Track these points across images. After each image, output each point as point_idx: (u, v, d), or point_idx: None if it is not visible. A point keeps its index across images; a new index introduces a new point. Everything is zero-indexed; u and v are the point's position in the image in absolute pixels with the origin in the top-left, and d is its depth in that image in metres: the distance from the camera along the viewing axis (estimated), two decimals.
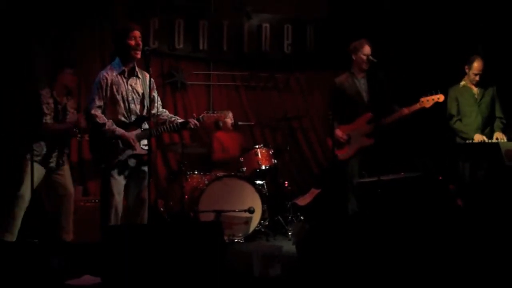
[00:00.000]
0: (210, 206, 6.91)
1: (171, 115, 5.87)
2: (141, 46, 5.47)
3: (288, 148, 8.27)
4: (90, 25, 8.04)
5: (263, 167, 7.48)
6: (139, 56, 5.49)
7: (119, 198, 5.51)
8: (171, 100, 8.57)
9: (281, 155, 8.19)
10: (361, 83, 6.69)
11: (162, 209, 7.63)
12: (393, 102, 6.62)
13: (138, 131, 5.52)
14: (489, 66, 6.88)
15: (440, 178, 6.45)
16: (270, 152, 7.65)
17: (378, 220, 5.41)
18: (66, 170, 6.54)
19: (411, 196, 6.09)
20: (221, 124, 8.17)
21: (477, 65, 6.84)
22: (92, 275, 5.02)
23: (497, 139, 6.55)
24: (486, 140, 6.58)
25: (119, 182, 5.49)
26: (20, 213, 6.17)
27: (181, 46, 8.50)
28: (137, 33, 5.47)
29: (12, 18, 7.36)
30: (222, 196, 7.04)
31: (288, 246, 6.60)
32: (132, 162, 5.53)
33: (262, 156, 7.53)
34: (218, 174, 7.24)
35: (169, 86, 8.56)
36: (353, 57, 6.71)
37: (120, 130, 5.39)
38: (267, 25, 8.87)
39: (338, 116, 6.72)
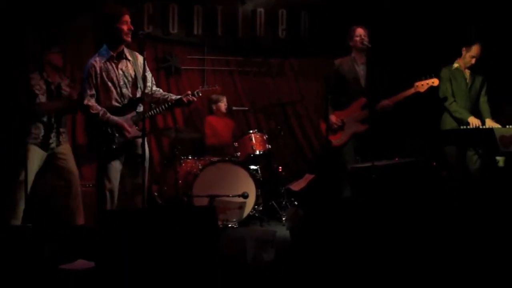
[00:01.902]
0: (204, 191, 6.91)
1: (164, 93, 5.84)
2: (132, 30, 5.48)
3: (282, 134, 8.28)
4: (84, 12, 7.99)
5: (257, 152, 7.48)
6: (130, 39, 5.49)
7: (115, 183, 5.54)
8: (165, 84, 8.55)
9: (275, 140, 8.19)
10: (361, 69, 6.72)
11: (156, 194, 7.63)
12: (387, 93, 6.64)
13: (133, 113, 5.52)
14: (483, 51, 6.89)
15: (434, 164, 6.46)
16: (264, 137, 7.65)
17: (372, 205, 5.42)
18: (67, 152, 6.53)
19: (404, 182, 6.09)
20: (214, 108, 8.18)
21: (476, 48, 6.83)
22: (86, 259, 5.02)
23: (489, 126, 6.55)
24: (480, 125, 6.58)
25: (115, 167, 5.51)
26: (23, 198, 6.18)
27: (175, 31, 8.47)
28: (128, 18, 5.47)
29: (6, 5, 7.34)
30: (216, 181, 7.04)
31: (282, 231, 6.64)
32: (128, 147, 5.54)
33: (256, 141, 7.53)
34: (212, 159, 7.24)
35: (163, 70, 8.54)
36: (350, 44, 6.75)
37: (113, 119, 5.40)
38: (262, 10, 8.83)
39: (334, 100, 6.76)
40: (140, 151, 5.42)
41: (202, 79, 8.82)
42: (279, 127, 8.36)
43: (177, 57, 8.59)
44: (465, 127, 6.60)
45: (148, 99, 5.79)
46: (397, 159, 6.35)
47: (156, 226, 4.36)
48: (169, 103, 5.67)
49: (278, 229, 6.78)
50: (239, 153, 7.49)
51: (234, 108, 8.37)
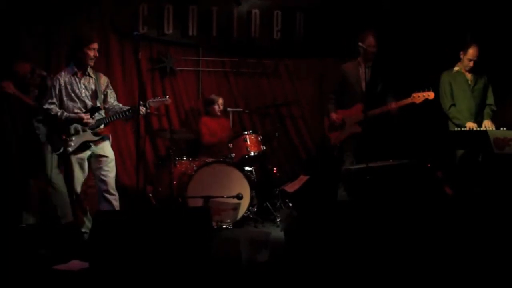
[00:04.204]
0: (199, 192, 6.91)
1: (122, 106, 6.31)
2: (96, 57, 6.09)
3: (277, 135, 8.27)
4: (78, 16, 7.98)
5: (252, 154, 7.47)
6: (92, 64, 6.11)
7: (77, 184, 6.06)
8: (159, 85, 8.55)
9: (270, 141, 8.19)
10: (364, 72, 6.85)
11: (150, 194, 7.62)
12: (389, 94, 6.80)
13: (91, 120, 6.05)
14: (479, 54, 6.90)
15: (429, 165, 6.48)
16: (259, 139, 7.65)
17: (366, 207, 5.43)
18: None
19: (399, 183, 6.11)
20: (209, 109, 8.19)
21: (472, 51, 6.86)
22: (81, 260, 5.03)
23: (485, 127, 6.58)
24: (476, 127, 6.60)
25: (78, 167, 6.04)
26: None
27: (171, 31, 8.46)
28: (96, 45, 6.05)
29: (1, 9, 7.35)
30: (210, 182, 7.03)
31: (276, 232, 6.64)
32: (89, 149, 6.08)
33: (251, 143, 7.52)
34: (207, 160, 7.24)
35: (158, 71, 8.54)
36: (359, 47, 6.88)
37: (71, 115, 5.98)
38: (257, 11, 8.83)
39: (337, 100, 6.99)
40: (104, 153, 6.14)
41: (197, 80, 8.82)
42: (273, 128, 8.36)
43: (172, 58, 8.57)
44: (459, 129, 6.62)
45: (109, 112, 6.27)
46: (391, 160, 6.38)
47: (150, 227, 4.36)
48: (123, 113, 6.13)
49: (272, 230, 6.79)
50: (233, 154, 7.49)
51: (229, 109, 8.36)
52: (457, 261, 4.63)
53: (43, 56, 7.77)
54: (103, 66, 7.74)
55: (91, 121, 6.00)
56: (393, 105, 6.74)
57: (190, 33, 8.56)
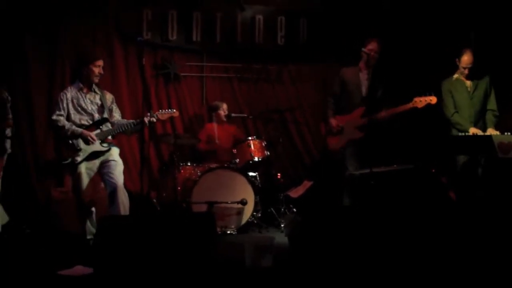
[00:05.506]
0: (203, 197, 6.91)
1: (129, 120, 6.45)
2: (101, 74, 6.24)
3: (280, 140, 8.26)
4: (83, 18, 8.00)
5: (256, 159, 7.48)
6: (97, 81, 6.25)
7: (85, 191, 6.11)
8: (164, 91, 8.54)
9: (273, 147, 8.19)
10: (364, 78, 6.88)
11: (154, 200, 7.62)
12: (386, 102, 6.79)
13: (98, 131, 6.17)
14: (482, 56, 6.85)
15: (433, 170, 6.47)
16: (263, 144, 7.65)
17: (370, 212, 5.42)
18: None
19: (403, 188, 6.10)
20: (214, 115, 8.20)
21: (466, 58, 6.79)
22: (85, 265, 5.04)
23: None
24: (480, 133, 6.57)
25: (84, 177, 6.09)
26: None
27: (174, 37, 8.46)
28: (101, 62, 6.21)
29: (5, 10, 7.37)
30: (215, 187, 7.03)
31: (280, 237, 6.62)
32: (98, 158, 6.15)
33: (255, 148, 7.53)
34: (211, 166, 7.24)
35: (162, 77, 8.54)
36: (362, 52, 6.89)
37: (78, 129, 6.08)
38: (261, 17, 8.83)
39: (336, 105, 6.97)
40: (111, 159, 6.19)
41: (201, 86, 8.83)
42: (277, 133, 8.36)
43: (176, 64, 8.58)
44: (463, 134, 6.59)
45: (115, 126, 6.33)
46: (395, 165, 6.37)
47: (154, 232, 4.37)
48: (131, 124, 6.27)
49: (277, 235, 6.77)
50: (237, 159, 7.49)
51: (233, 114, 8.34)
52: (462, 266, 4.62)
53: (44, 55, 7.79)
54: (108, 72, 7.69)
55: (95, 141, 6.07)
56: (383, 113, 6.72)
57: (194, 39, 8.56)
